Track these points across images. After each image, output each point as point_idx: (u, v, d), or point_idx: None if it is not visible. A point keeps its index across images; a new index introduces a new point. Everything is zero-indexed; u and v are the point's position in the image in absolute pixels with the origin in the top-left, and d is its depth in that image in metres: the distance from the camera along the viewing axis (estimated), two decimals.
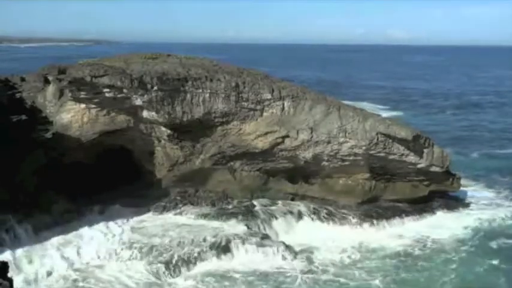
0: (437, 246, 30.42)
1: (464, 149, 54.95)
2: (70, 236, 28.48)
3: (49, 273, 25.05)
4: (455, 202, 37.33)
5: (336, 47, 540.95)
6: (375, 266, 28.01)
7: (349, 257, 28.87)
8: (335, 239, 30.82)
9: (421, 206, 35.73)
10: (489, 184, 42.18)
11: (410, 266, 28.02)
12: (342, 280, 26.31)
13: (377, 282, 26.09)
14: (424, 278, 26.70)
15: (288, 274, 26.74)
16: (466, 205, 36.98)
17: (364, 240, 30.89)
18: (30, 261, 25.48)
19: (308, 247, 29.83)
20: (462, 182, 37.58)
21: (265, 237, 30.07)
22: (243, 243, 28.81)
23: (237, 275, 26.50)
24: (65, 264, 25.95)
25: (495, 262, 28.41)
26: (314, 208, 34.32)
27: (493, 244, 30.81)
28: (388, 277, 26.63)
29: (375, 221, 33.22)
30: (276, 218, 32.78)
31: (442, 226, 33.32)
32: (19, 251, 26.00)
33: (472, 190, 40.30)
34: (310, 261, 28.25)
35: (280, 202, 34.92)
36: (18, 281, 23.97)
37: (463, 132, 66.30)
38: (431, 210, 35.54)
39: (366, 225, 32.85)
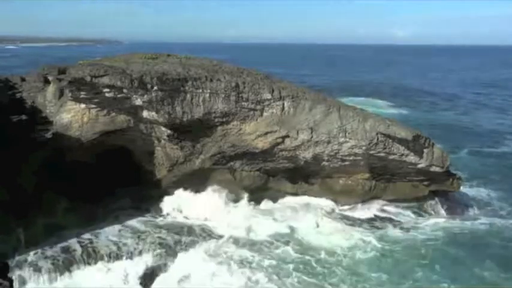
0: (434, 244, 30.73)
1: (462, 144, 56.46)
2: (70, 237, 28.48)
3: (50, 276, 25.04)
4: (452, 200, 37.48)
5: (336, 47, 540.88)
6: (378, 262, 28.13)
7: (349, 255, 28.81)
8: (336, 238, 30.80)
9: (419, 204, 36.06)
10: (485, 181, 42.88)
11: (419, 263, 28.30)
12: (353, 277, 26.47)
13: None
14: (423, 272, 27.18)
15: (290, 274, 26.73)
16: (464, 203, 37.20)
17: (364, 237, 30.88)
18: (30, 264, 25.44)
19: (309, 247, 29.77)
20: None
21: (265, 237, 30.07)
22: (244, 243, 28.81)
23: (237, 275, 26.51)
24: (64, 265, 25.90)
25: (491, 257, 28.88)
26: (314, 208, 34.36)
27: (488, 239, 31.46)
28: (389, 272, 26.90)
29: (374, 219, 33.47)
30: (276, 218, 32.79)
31: (438, 223, 33.66)
32: (20, 252, 25.98)
33: (469, 187, 41.06)
34: (313, 260, 28.19)
35: (280, 202, 34.95)
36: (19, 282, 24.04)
37: (462, 128, 67.38)
38: (429, 209, 35.89)
39: (365, 223, 32.98)
